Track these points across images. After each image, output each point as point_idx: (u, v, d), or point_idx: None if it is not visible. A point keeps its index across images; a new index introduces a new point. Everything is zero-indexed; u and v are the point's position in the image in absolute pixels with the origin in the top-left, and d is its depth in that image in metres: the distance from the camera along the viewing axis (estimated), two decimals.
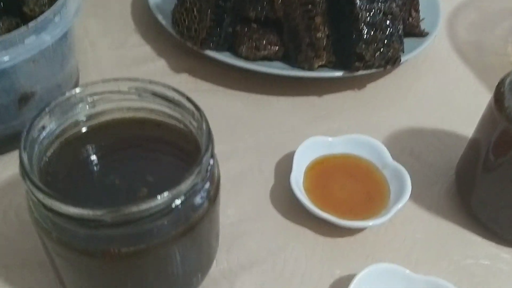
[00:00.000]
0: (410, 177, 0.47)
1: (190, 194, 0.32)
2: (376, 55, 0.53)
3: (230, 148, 0.52)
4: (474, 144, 0.46)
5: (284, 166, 0.50)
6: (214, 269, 0.42)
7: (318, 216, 0.44)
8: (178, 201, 0.31)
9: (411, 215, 0.48)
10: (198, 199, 0.33)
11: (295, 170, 0.47)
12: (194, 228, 0.34)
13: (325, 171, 0.49)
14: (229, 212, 0.46)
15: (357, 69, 0.54)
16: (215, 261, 0.41)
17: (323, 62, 0.55)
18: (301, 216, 0.46)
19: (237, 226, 0.45)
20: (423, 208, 0.48)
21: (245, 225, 0.45)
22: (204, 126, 0.34)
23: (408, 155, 0.53)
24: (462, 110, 0.58)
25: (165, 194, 0.30)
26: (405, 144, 0.54)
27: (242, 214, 0.46)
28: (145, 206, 0.29)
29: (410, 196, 0.46)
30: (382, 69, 0.56)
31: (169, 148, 0.38)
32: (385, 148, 0.49)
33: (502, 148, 0.41)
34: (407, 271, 0.40)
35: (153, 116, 0.38)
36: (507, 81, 0.42)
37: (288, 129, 0.55)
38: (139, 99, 0.37)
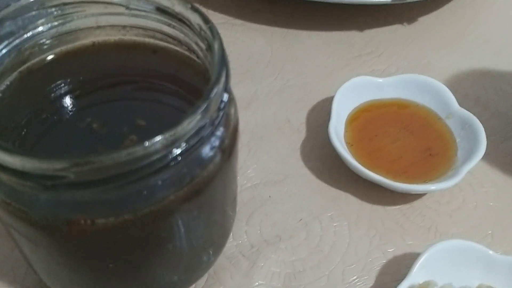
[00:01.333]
0: None
1: (194, 141, 0.22)
2: None
3: (250, 93, 0.42)
4: None
5: (319, 115, 0.40)
6: (231, 245, 0.32)
7: (365, 177, 0.34)
8: (177, 151, 0.21)
9: (481, 177, 0.37)
10: (206, 150, 0.23)
11: (334, 119, 0.36)
12: (202, 191, 0.24)
13: (373, 121, 0.38)
14: (250, 172, 0.36)
15: None
16: (231, 234, 0.32)
17: None
18: (342, 177, 0.36)
19: (259, 190, 0.35)
20: (496, 168, 0.38)
21: (269, 188, 0.35)
22: (216, 46, 0.23)
23: (474, 103, 0.42)
24: None
25: (157, 139, 0.20)
26: (469, 89, 0.43)
27: (266, 175, 0.36)
28: (126, 156, 0.20)
29: None
30: None
31: (169, 83, 0.28)
32: (450, 91, 0.39)
33: None
34: (490, 251, 0.30)
35: (146, 39, 0.28)
36: None
37: (322, 71, 0.44)
38: (128, 13, 0.27)
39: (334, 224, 0.34)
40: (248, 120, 0.40)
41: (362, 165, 0.35)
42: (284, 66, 0.44)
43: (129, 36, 0.28)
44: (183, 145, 0.21)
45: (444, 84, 0.43)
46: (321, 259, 0.32)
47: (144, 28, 0.28)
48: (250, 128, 0.39)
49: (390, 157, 0.36)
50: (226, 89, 0.24)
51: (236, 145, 0.26)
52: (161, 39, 0.28)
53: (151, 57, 0.28)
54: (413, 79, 0.39)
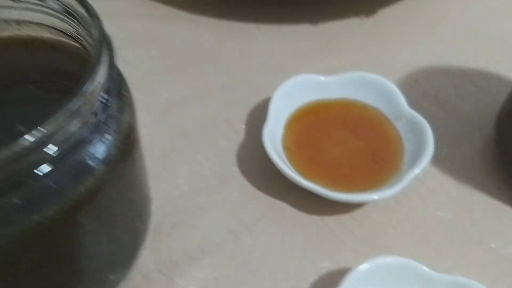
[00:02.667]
0: (433, 131, 0.33)
1: (64, 152, 0.19)
2: None
3: (190, 90, 0.39)
4: None
5: (260, 115, 0.37)
6: (148, 260, 0.29)
7: (301, 186, 0.31)
8: (40, 162, 0.18)
9: (432, 184, 0.34)
10: (82, 163, 0.20)
11: (271, 121, 0.34)
12: (80, 211, 0.21)
13: (315, 123, 0.35)
14: (179, 179, 0.33)
15: None
16: (148, 249, 0.29)
17: None
18: (279, 185, 0.33)
19: (188, 198, 0.33)
20: (449, 175, 0.35)
21: (200, 197, 0.33)
22: (95, 34, 0.21)
23: (431, 102, 0.39)
24: (506, 44, 0.44)
25: (8, 150, 0.17)
26: (428, 88, 0.40)
27: (198, 182, 0.33)
28: None
29: (431, 158, 0.33)
30: None
31: (62, 84, 0.25)
32: (399, 91, 0.36)
33: None
34: (425, 267, 0.27)
35: (44, 34, 0.25)
36: None
37: (272, 67, 0.41)
38: (18, 6, 0.24)
39: (266, 236, 0.31)
40: (186, 120, 0.37)
41: (301, 171, 0.32)
42: (230, 61, 0.41)
43: (25, 31, 0.25)
44: (51, 152, 0.18)
45: (400, 81, 0.40)
46: (247, 276, 0.29)
47: (38, 23, 0.25)
48: (187, 129, 0.36)
49: (332, 162, 0.33)
50: (110, 90, 0.21)
51: (133, 155, 0.23)
52: (55, 34, 0.25)
53: (44, 54, 0.25)
54: (361, 78, 0.36)
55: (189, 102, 0.38)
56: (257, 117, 0.37)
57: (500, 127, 0.35)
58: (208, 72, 0.40)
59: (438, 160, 0.35)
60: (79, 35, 0.23)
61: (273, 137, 0.33)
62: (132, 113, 0.23)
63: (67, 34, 0.24)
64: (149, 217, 0.28)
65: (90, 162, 0.20)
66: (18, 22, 0.25)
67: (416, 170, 0.31)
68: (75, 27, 0.23)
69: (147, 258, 0.29)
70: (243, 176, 0.34)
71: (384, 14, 0.46)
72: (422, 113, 0.37)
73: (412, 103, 0.38)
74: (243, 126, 0.37)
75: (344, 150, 0.34)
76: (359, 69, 0.41)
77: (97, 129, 0.20)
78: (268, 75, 0.41)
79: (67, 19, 0.23)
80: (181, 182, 0.33)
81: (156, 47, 0.42)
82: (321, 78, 0.36)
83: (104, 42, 0.20)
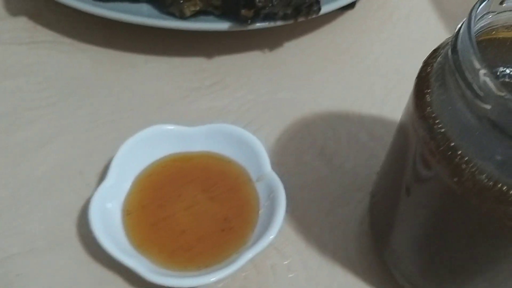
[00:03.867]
0: (304, 192, 0.30)
1: None
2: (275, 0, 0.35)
3: (53, 129, 0.36)
4: (391, 154, 0.28)
5: None
6: None
7: (121, 263, 0.28)
8: None
9: (289, 256, 0.31)
10: None
11: (112, 180, 0.30)
12: None
13: (171, 180, 0.32)
14: (5, 241, 0.30)
15: (247, 20, 0.36)
16: None
17: (198, 8, 0.36)
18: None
19: (10, 264, 0.29)
20: (312, 246, 0.31)
21: (24, 262, 0.30)
22: None
23: (316, 156, 0.35)
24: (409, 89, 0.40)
25: None
26: (317, 137, 0.36)
27: (26, 244, 0.30)
28: None
29: (300, 224, 0.31)
30: (291, 21, 0.37)
31: None
32: (264, 148, 0.32)
33: (417, 171, 0.24)
34: None
35: None
36: (439, 58, 0.23)
37: (153, 104, 0.38)
38: None
39: None
40: (37, 166, 0.34)
41: (138, 240, 0.29)
42: (107, 97, 0.38)
43: None
44: None
45: (291, 128, 0.37)
46: None
47: None
48: (35, 178, 0.33)
49: (176, 229, 0.30)
50: None
51: None
52: None
53: None
54: (227, 131, 0.32)
55: (47, 145, 0.35)
56: None
57: (375, 196, 0.31)
58: (79, 108, 0.37)
59: (301, 226, 0.32)
60: None
61: (112, 199, 0.30)
62: None
63: None
64: None
65: None
66: None
67: (256, 250, 0.27)
68: None
69: None
70: (79, 239, 0.31)
71: (291, 47, 0.42)
72: (303, 168, 0.33)
73: (296, 155, 0.35)
74: (96, 179, 0.33)
75: (194, 214, 0.30)
76: (249, 109, 0.38)
77: None
78: (148, 113, 0.37)
79: None
80: (6, 245, 0.30)
81: (30, 77, 0.39)
82: (170, 127, 0.32)
83: None
